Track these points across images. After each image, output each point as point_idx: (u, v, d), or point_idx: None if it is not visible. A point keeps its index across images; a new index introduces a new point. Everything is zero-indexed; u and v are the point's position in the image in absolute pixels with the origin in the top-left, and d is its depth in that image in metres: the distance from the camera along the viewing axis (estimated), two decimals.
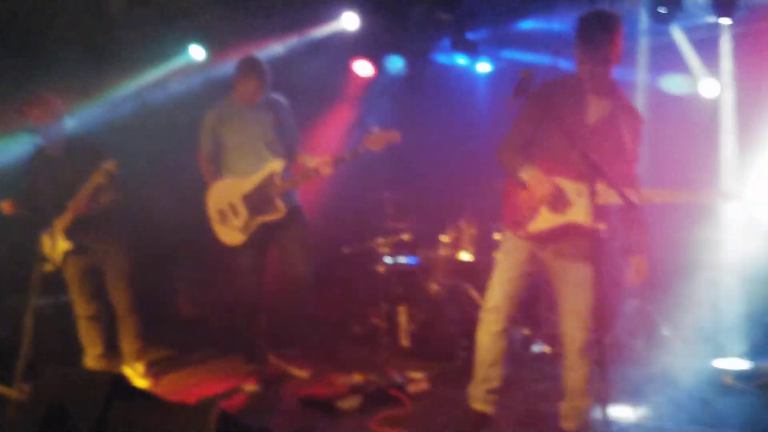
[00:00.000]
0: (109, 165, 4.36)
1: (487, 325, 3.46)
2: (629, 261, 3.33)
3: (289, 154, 4.76)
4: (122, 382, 2.83)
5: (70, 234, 4.52)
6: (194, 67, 5.99)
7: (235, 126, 4.67)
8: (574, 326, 3.33)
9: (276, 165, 4.59)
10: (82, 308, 4.76)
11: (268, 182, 4.57)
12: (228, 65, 5.89)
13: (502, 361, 3.50)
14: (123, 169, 4.49)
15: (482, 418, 3.50)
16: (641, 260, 3.32)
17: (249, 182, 4.61)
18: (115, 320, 4.87)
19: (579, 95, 3.28)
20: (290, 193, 4.68)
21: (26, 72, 5.40)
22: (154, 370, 5.03)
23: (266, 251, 4.75)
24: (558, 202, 3.23)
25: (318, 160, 4.59)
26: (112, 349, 4.96)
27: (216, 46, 5.94)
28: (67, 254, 4.57)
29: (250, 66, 4.60)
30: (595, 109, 3.28)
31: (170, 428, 2.44)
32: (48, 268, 4.47)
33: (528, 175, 3.24)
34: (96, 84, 5.42)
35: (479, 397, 3.51)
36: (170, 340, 5.92)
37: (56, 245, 4.50)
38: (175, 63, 5.95)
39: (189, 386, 4.75)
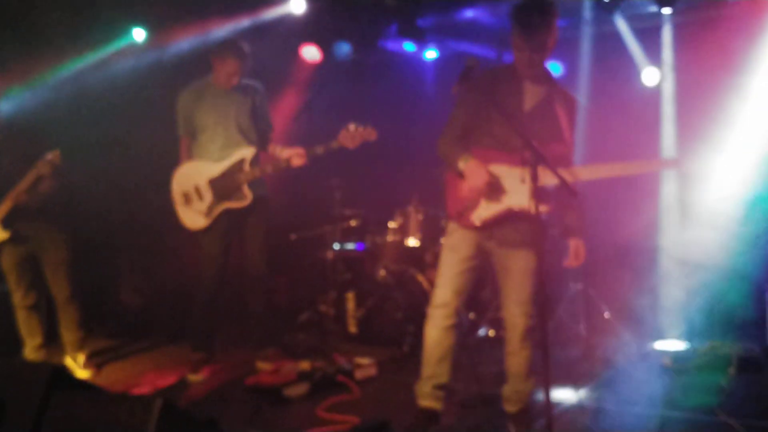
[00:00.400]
0: (52, 155, 4.24)
1: (435, 320, 3.45)
2: (568, 244, 3.40)
3: (262, 143, 4.72)
4: (62, 373, 2.75)
5: (7, 223, 4.38)
6: (136, 50, 5.83)
7: (209, 108, 4.60)
8: (516, 312, 3.38)
9: (247, 152, 4.55)
10: (20, 298, 4.62)
11: (236, 168, 4.54)
12: (171, 48, 5.78)
13: (451, 357, 3.48)
14: (63, 157, 4.36)
15: (431, 414, 3.49)
16: (579, 243, 3.39)
17: (218, 167, 4.56)
18: (55, 310, 4.75)
19: (515, 82, 3.32)
20: (259, 183, 4.64)
21: None
22: (96, 360, 4.93)
23: (229, 237, 4.70)
24: (494, 190, 3.26)
25: (290, 151, 4.56)
26: (53, 341, 4.84)
27: (158, 27, 5.79)
28: (3, 243, 4.43)
29: (231, 47, 4.53)
30: (531, 96, 3.33)
31: (112, 420, 2.38)
32: None
33: (464, 165, 3.26)
34: (31, 67, 5.24)
35: (427, 393, 3.48)
36: (113, 331, 5.81)
37: None
38: (116, 45, 5.78)
39: (132, 376, 4.66)
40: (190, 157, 4.70)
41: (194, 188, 4.58)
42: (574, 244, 3.39)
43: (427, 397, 3.48)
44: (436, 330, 3.44)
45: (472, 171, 3.22)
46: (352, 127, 4.33)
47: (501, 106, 3.19)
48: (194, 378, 4.54)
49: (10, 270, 4.58)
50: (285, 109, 6.44)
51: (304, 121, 6.44)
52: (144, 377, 4.60)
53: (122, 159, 5.86)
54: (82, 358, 4.75)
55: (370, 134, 4.36)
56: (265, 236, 4.78)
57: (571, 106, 3.39)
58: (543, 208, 3.03)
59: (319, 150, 4.45)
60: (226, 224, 4.62)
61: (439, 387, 3.48)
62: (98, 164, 5.63)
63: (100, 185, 5.74)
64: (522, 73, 3.30)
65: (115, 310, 6.23)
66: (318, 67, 6.57)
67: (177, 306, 6.03)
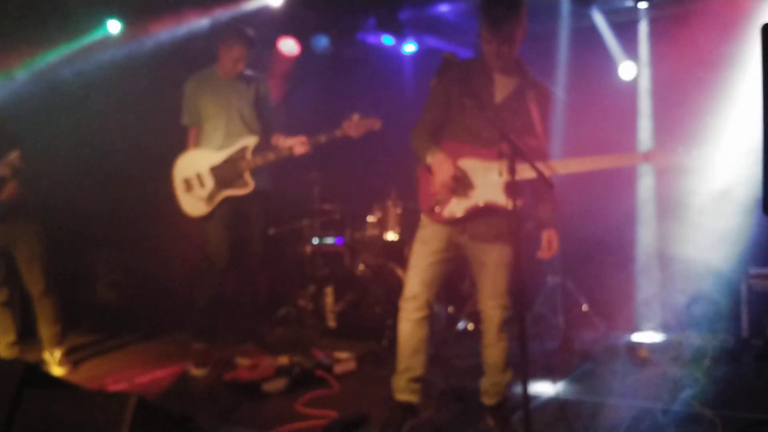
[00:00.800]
0: (13, 157, 4.15)
1: (406, 313, 3.43)
2: (543, 236, 3.41)
3: (265, 132, 4.73)
4: (35, 369, 2.71)
5: None
6: (110, 42, 5.75)
7: (213, 97, 4.63)
8: (492, 305, 3.38)
9: (249, 140, 4.57)
10: None
11: (238, 156, 4.56)
12: (146, 40, 5.70)
13: (425, 349, 3.46)
14: (38, 152, 4.30)
15: (408, 407, 3.47)
16: (552, 234, 3.40)
17: (220, 154, 4.58)
18: (32, 307, 4.69)
19: (486, 75, 3.31)
20: (263, 175, 4.65)
21: None
22: (73, 357, 4.89)
23: (232, 226, 4.68)
24: (464, 185, 3.26)
25: (293, 139, 4.58)
26: (31, 337, 4.80)
27: (134, 19, 5.72)
28: None
29: (239, 33, 4.57)
30: (502, 88, 3.32)
31: (85, 417, 2.36)
32: None
33: (431, 159, 3.25)
34: (4, 59, 5.15)
35: (402, 387, 3.46)
36: (90, 327, 5.76)
37: None
38: (91, 37, 5.69)
39: (109, 373, 4.62)
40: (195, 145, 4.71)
41: (196, 175, 4.59)
42: (547, 236, 3.39)
43: (403, 391, 3.46)
44: (408, 323, 3.43)
45: (438, 165, 3.22)
46: (356, 117, 4.36)
47: (474, 98, 3.18)
48: (197, 372, 4.51)
49: None
50: None
51: (282, 113, 6.40)
52: (145, 373, 4.56)
53: (99, 153, 5.79)
54: (59, 354, 4.69)
55: (375, 124, 4.40)
56: (264, 229, 4.80)
57: (544, 97, 3.38)
58: (517, 202, 3.03)
59: (322, 138, 4.47)
60: (229, 213, 4.62)
61: (415, 380, 3.46)
62: (74, 159, 5.57)
63: (75, 179, 5.68)
64: (492, 66, 3.29)
65: (92, 306, 6.17)
66: (296, 61, 6.53)
67: (154, 302, 5.99)
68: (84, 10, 5.50)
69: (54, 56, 5.54)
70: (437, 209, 3.32)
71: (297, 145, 4.52)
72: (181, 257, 6.08)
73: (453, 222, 3.34)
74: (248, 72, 4.71)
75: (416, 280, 3.41)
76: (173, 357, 4.97)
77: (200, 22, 5.69)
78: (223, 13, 5.71)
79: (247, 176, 4.55)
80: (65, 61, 5.59)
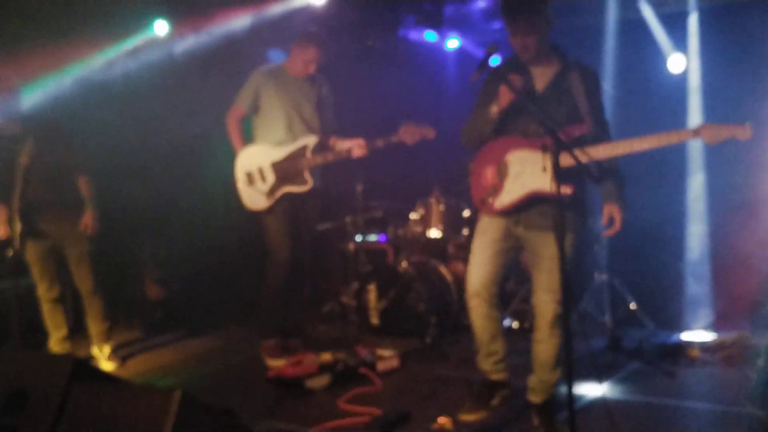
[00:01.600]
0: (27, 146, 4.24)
1: (473, 309, 3.51)
2: (604, 211, 3.35)
3: (323, 132, 4.79)
4: (83, 364, 2.77)
5: (27, 218, 4.41)
6: (156, 43, 5.85)
7: (279, 93, 4.69)
8: (546, 299, 3.35)
9: (310, 139, 4.64)
10: (44, 291, 4.67)
11: (299, 154, 4.63)
12: (191, 39, 5.77)
13: (501, 332, 3.57)
14: (88, 151, 4.39)
15: (501, 384, 3.61)
16: (615, 209, 3.33)
17: (281, 151, 4.65)
18: (82, 303, 4.80)
19: (522, 69, 3.33)
20: (315, 174, 4.71)
21: None
22: (121, 352, 4.98)
23: (291, 218, 4.74)
24: (510, 175, 3.30)
25: (351, 142, 4.65)
26: (81, 332, 4.90)
27: (180, 19, 5.80)
28: (26, 238, 4.47)
29: (314, 36, 4.65)
30: (541, 77, 3.34)
31: (131, 411, 2.39)
32: (10, 251, 4.36)
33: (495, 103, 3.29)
34: (53, 60, 5.27)
35: (490, 369, 3.60)
36: (139, 323, 5.86)
37: (14, 227, 4.39)
38: (138, 38, 5.79)
39: (156, 369, 4.70)
40: (239, 135, 4.75)
41: (258, 170, 4.66)
42: (608, 210, 3.34)
43: (491, 372, 3.60)
44: (479, 319, 3.51)
45: (502, 92, 3.23)
46: (412, 124, 4.43)
47: (518, 92, 3.16)
48: (273, 363, 4.57)
49: (34, 263, 4.62)
50: None
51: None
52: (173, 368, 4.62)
53: (146, 151, 5.89)
54: (107, 349, 4.79)
55: (429, 132, 4.45)
56: (315, 226, 4.86)
57: (589, 77, 3.36)
58: (566, 190, 3.00)
59: (380, 143, 4.55)
60: (289, 208, 4.70)
61: (499, 361, 3.58)
62: (120, 157, 5.66)
63: (121, 177, 5.78)
64: (524, 59, 3.31)
65: (140, 302, 6.28)
66: (338, 58, 6.54)
67: (201, 298, 6.08)
68: (131, 12, 5.60)
69: (102, 57, 5.65)
70: (490, 200, 3.36)
71: (356, 147, 4.59)
72: (229, 253, 6.17)
73: (506, 213, 3.36)
74: (314, 72, 4.76)
75: (476, 275, 3.47)
76: (220, 353, 5.04)
77: (244, 21, 5.74)
78: (266, 13, 5.75)
79: (307, 174, 4.61)
80: (114, 62, 5.69)
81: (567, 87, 3.29)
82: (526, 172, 3.27)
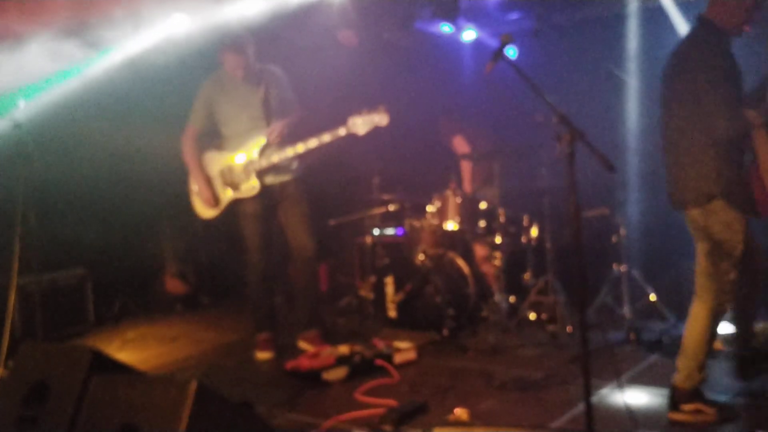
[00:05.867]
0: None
1: None
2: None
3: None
4: (101, 356, 2.81)
5: None
6: (176, 38, 5.86)
7: (225, 98, 4.70)
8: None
9: (256, 142, 4.63)
10: None
11: (246, 158, 4.64)
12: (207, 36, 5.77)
13: None
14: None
15: None
16: None
17: (228, 157, 4.70)
18: None
19: None
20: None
21: None
22: (140, 343, 5.04)
23: (265, 220, 4.76)
24: None
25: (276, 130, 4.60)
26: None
27: (196, 14, 5.80)
28: None
29: (229, 43, 4.59)
30: None
31: (147, 401, 2.42)
32: None
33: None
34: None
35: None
36: (159, 315, 5.92)
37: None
38: (158, 34, 5.81)
39: (174, 359, 4.74)
40: (193, 153, 4.76)
41: (207, 179, 4.73)
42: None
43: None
44: None
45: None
46: (363, 112, 4.29)
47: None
48: (261, 356, 4.65)
49: None
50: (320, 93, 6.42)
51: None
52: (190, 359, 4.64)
53: (163, 147, 5.92)
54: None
55: (382, 119, 4.28)
56: (307, 217, 4.80)
57: None
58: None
59: (326, 138, 4.40)
60: (260, 210, 4.70)
61: None
62: (141, 154, 5.71)
63: (140, 174, 5.83)
64: None
65: (160, 294, 6.35)
66: (355, 51, 6.53)
67: (219, 291, 6.12)
68: (149, 7, 5.61)
69: (129, 51, 5.67)
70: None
71: (300, 145, 4.50)
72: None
73: None
74: (258, 67, 4.69)
75: None
76: (239, 346, 5.07)
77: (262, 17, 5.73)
78: (285, 8, 5.74)
79: (253, 178, 4.62)
80: (142, 53, 5.71)
81: None
82: None
